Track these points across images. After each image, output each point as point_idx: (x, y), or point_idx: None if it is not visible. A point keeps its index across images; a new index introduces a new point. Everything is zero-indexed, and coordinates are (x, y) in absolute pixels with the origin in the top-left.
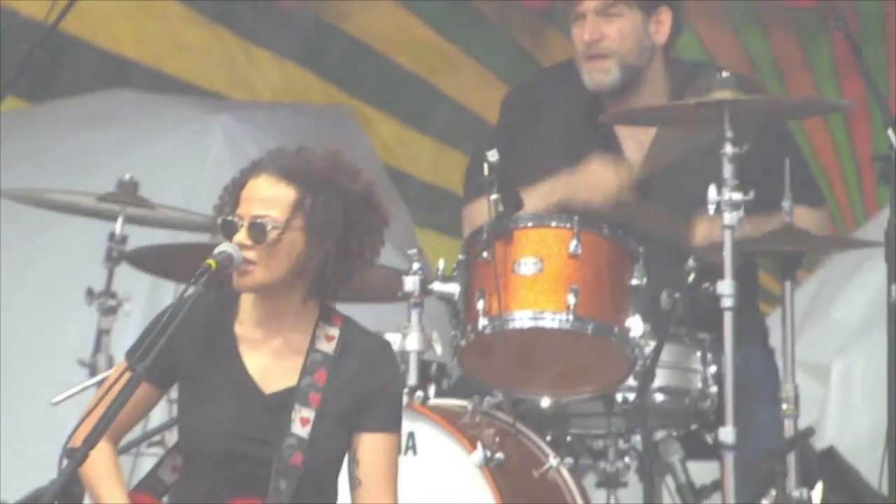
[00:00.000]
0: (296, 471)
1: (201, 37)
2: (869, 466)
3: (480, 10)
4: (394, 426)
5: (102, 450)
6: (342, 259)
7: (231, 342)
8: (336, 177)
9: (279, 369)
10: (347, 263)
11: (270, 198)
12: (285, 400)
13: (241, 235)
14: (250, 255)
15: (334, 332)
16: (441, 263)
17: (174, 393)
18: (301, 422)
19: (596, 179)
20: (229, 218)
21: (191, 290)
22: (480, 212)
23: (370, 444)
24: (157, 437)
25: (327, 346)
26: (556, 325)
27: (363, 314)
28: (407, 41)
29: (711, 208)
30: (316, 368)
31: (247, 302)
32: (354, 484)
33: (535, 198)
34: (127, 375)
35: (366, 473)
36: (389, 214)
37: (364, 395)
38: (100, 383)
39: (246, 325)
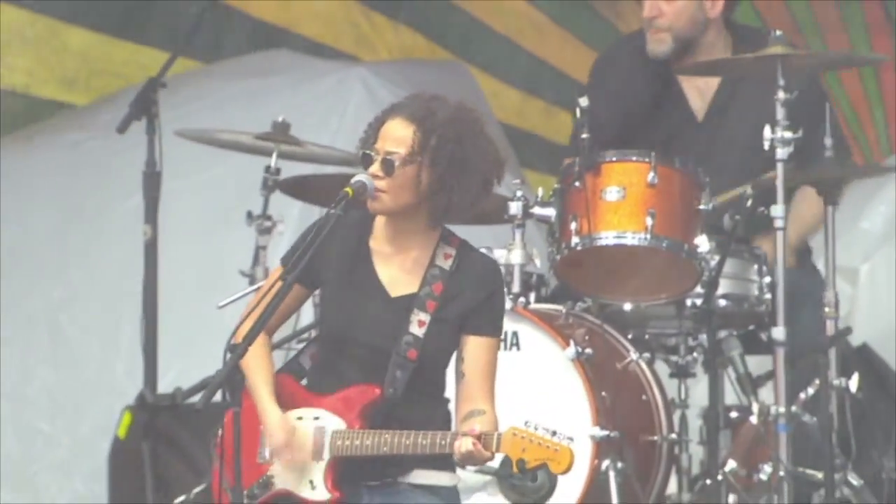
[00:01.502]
0: (410, 364)
1: (331, 6)
2: (891, 354)
3: None
4: (495, 332)
5: (259, 341)
6: (460, 193)
7: (366, 254)
8: (457, 123)
9: (404, 278)
10: (464, 196)
11: (400, 137)
12: (406, 304)
13: (375, 167)
14: (381, 184)
15: (451, 251)
16: (540, 191)
17: (318, 299)
18: (418, 323)
19: None
20: (368, 151)
21: (332, 212)
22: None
23: (474, 346)
24: (304, 335)
25: (445, 263)
26: (636, 242)
27: (477, 232)
28: (501, 9)
29: (766, 145)
30: (434, 280)
31: (380, 222)
32: (459, 377)
33: None
34: (279, 281)
35: (469, 369)
36: (503, 158)
37: (472, 305)
38: (257, 291)
39: (378, 241)
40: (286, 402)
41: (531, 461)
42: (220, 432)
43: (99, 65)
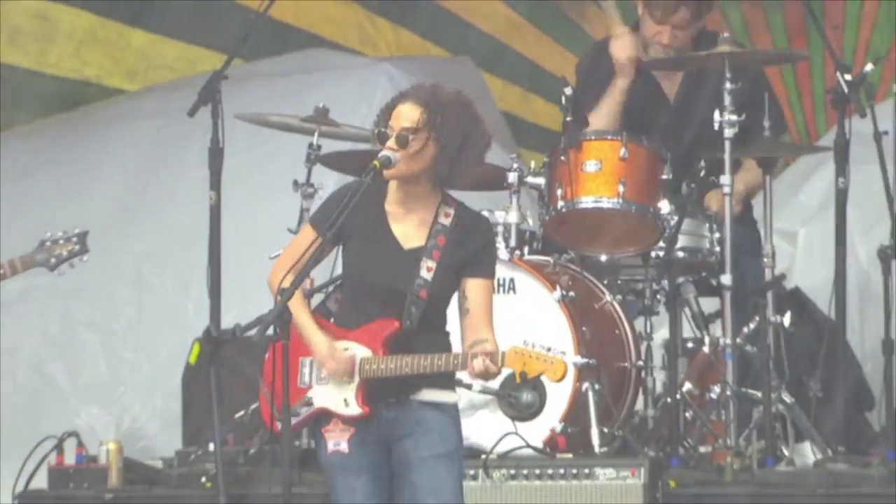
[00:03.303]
0: (422, 301)
1: (339, 9)
2: (822, 300)
3: None
4: (490, 274)
5: (299, 294)
6: (459, 161)
7: (382, 214)
8: (457, 105)
9: (414, 234)
10: (463, 164)
11: (411, 117)
12: (417, 254)
13: (391, 142)
14: (396, 156)
15: (451, 211)
16: (532, 164)
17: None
18: (427, 269)
19: (622, 42)
20: (383, 129)
21: (363, 180)
22: None
23: (474, 286)
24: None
25: (446, 220)
26: (610, 206)
27: (480, 197)
28: (484, 10)
29: (716, 126)
30: (438, 234)
31: (392, 188)
32: (463, 312)
33: (596, 116)
34: (312, 237)
35: (472, 305)
36: (491, 134)
37: (470, 253)
38: (291, 243)
39: (392, 204)
40: None
41: (531, 373)
42: (264, 362)
43: (155, 60)
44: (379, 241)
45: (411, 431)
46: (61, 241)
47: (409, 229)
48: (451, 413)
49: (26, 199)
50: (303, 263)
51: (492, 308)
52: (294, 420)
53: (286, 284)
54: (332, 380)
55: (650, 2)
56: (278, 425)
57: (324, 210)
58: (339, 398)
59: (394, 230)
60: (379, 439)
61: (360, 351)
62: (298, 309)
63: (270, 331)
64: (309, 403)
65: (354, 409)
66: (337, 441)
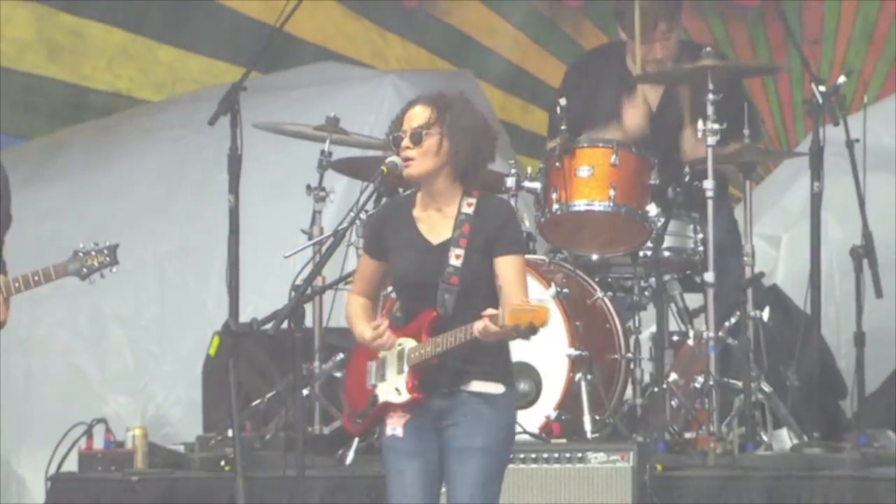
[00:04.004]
0: (454, 288)
1: (352, 25)
2: (800, 297)
3: (539, 7)
4: (517, 249)
5: (360, 300)
6: (472, 154)
7: (411, 220)
8: (462, 104)
9: (440, 229)
10: (476, 157)
11: (423, 117)
12: (445, 247)
13: (406, 141)
14: (412, 153)
15: (473, 201)
16: (528, 170)
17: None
18: (455, 257)
19: (630, 121)
20: (397, 134)
21: (371, 188)
22: (554, 144)
23: (502, 264)
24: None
25: (469, 209)
26: (602, 209)
27: None
28: (489, 28)
29: (699, 133)
30: (462, 224)
31: (419, 197)
32: (499, 291)
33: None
34: (369, 261)
35: (504, 282)
36: (495, 130)
37: (493, 233)
38: (316, 244)
39: (419, 209)
40: None
41: (524, 325)
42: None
43: (181, 74)
44: (412, 245)
45: (458, 421)
46: (93, 253)
47: (436, 227)
48: (502, 406)
49: (61, 199)
50: (322, 265)
51: (524, 280)
52: (364, 420)
53: (351, 308)
54: (387, 374)
55: (630, 28)
56: (352, 426)
57: (367, 235)
58: (393, 388)
59: (423, 231)
60: (432, 427)
61: (408, 344)
62: (355, 314)
63: (285, 324)
64: (374, 402)
65: (404, 396)
66: (394, 426)
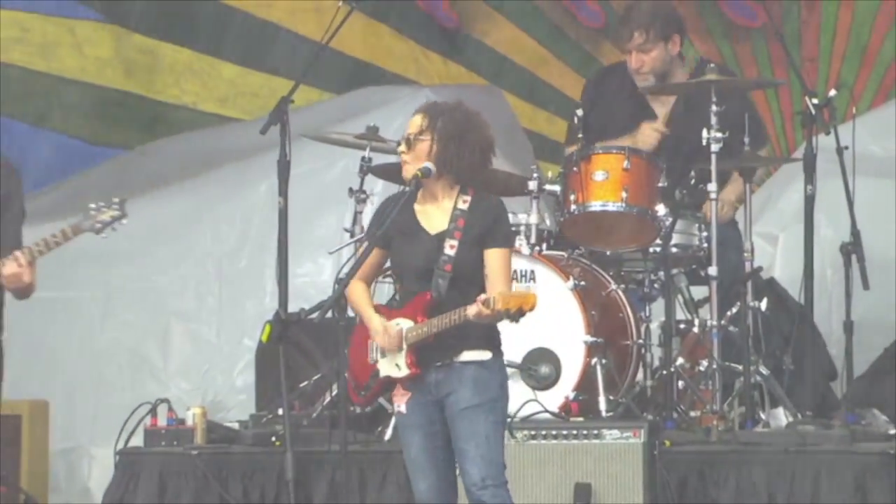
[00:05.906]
0: (447, 274)
1: (400, 45)
2: (795, 289)
3: (564, 28)
4: (503, 244)
5: (361, 286)
6: (460, 158)
7: (412, 213)
8: (455, 112)
9: (438, 222)
10: (464, 160)
11: (417, 124)
12: (442, 236)
13: (401, 147)
14: (406, 157)
15: (468, 198)
16: (549, 174)
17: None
18: (450, 247)
19: (646, 135)
20: (399, 141)
21: (407, 189)
22: (572, 150)
23: (490, 255)
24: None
25: (464, 205)
26: (615, 209)
27: (506, 202)
28: (517, 46)
29: (704, 141)
30: (458, 218)
31: (421, 193)
32: (486, 280)
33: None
34: (367, 246)
35: (490, 272)
36: (493, 138)
37: (484, 227)
38: (356, 241)
39: (419, 204)
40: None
41: (513, 309)
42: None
43: (242, 88)
44: (412, 234)
45: (455, 388)
46: (104, 208)
47: (434, 219)
48: (492, 368)
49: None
50: (354, 263)
51: (508, 271)
52: (368, 392)
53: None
54: (387, 352)
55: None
56: (357, 397)
57: (373, 226)
58: (394, 364)
59: (422, 223)
60: (432, 399)
61: (405, 324)
62: (360, 299)
63: (329, 314)
64: (376, 375)
65: (404, 371)
66: (399, 404)
